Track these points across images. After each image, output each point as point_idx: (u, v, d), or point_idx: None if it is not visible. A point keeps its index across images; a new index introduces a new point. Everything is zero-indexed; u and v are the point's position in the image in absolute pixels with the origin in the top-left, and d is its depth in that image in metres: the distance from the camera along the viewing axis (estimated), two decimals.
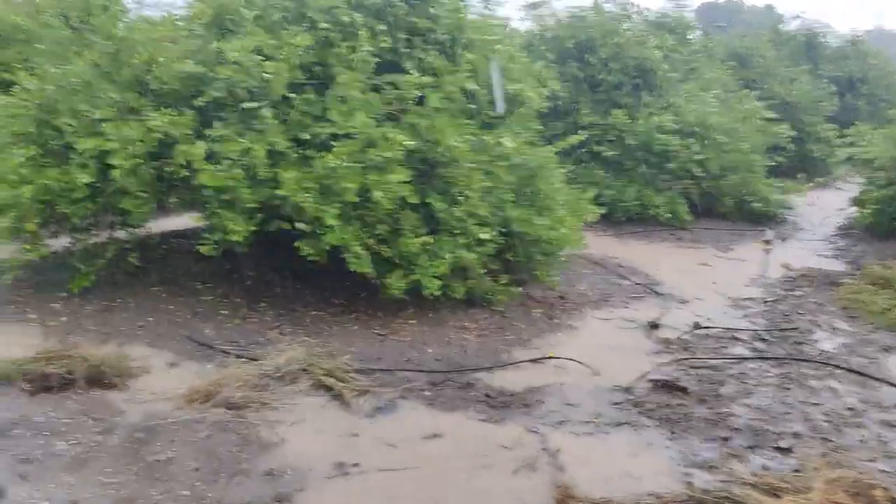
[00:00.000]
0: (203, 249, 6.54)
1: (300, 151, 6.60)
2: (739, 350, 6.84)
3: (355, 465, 4.48)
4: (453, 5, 7.98)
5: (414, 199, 6.48)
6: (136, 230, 7.23)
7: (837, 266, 10.64)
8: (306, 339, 6.42)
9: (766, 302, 8.54)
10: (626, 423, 5.24)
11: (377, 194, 6.28)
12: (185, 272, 8.22)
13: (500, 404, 5.42)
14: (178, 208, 8.19)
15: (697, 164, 12.87)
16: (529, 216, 7.46)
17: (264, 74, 6.53)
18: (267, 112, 6.57)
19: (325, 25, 7.01)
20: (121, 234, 7.44)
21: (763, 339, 7.13)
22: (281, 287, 7.84)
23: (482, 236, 6.97)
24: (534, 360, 6.30)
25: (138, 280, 7.76)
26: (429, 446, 4.77)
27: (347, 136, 6.50)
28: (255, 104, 6.67)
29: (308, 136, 6.65)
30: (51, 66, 6.91)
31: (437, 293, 6.74)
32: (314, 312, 7.20)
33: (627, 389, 5.82)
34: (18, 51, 10.93)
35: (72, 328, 6.53)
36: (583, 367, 6.19)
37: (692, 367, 6.29)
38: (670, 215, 12.48)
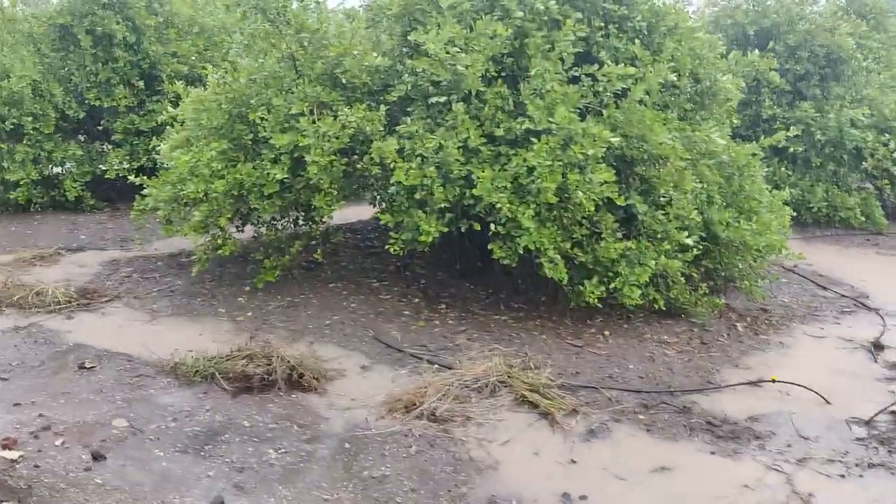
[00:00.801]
0: (392, 249, 6.30)
1: (494, 148, 6.23)
2: None
3: (583, 497, 4.06)
4: None
5: (620, 202, 5.97)
6: (319, 225, 7.08)
7: None
8: (496, 346, 6.06)
9: None
10: (879, 465, 4.55)
11: (579, 195, 5.82)
12: (358, 268, 8.11)
13: (728, 434, 4.85)
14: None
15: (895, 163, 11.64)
16: (735, 220, 6.78)
17: (458, 67, 6.19)
18: (459, 107, 6.24)
19: (519, 14, 6.58)
20: (302, 228, 7.37)
21: None
22: (455, 287, 7.56)
23: (687, 241, 6.37)
24: (752, 383, 5.66)
25: (315, 275, 7.70)
26: (660, 481, 4.28)
27: (546, 132, 6.06)
28: (442, 98, 6.37)
29: (501, 132, 6.26)
30: (244, 59, 6.86)
31: (637, 303, 6.20)
32: (495, 317, 6.84)
33: (869, 423, 5.10)
34: (194, 43, 11.23)
35: (259, 324, 6.47)
36: (809, 394, 5.50)
37: None
38: (864, 219, 11.35)
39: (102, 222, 10.15)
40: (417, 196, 6.09)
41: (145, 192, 7.48)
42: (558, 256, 6.00)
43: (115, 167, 10.49)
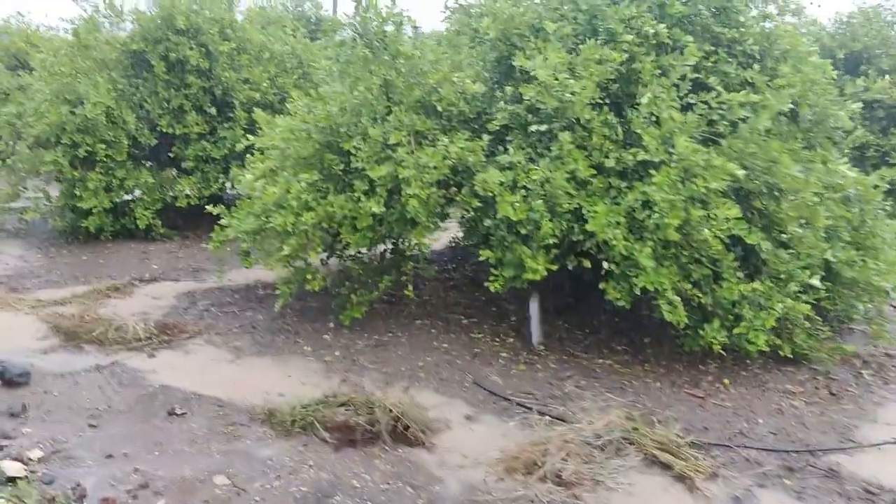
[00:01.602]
0: (493, 287, 5.88)
1: (604, 180, 5.80)
2: None
3: None
4: (761, 12, 6.91)
5: (751, 239, 5.48)
6: (410, 260, 6.70)
7: None
8: (609, 396, 5.60)
9: None
10: None
11: (705, 232, 5.35)
12: (441, 302, 7.74)
13: None
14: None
15: None
16: (860, 258, 6.23)
17: (565, 94, 5.79)
18: (565, 136, 5.83)
19: (627, 38, 6.18)
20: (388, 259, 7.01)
21: None
22: (550, 326, 7.11)
23: (813, 282, 5.84)
24: None
25: (399, 311, 7.34)
26: None
27: (663, 163, 5.62)
28: (543, 127, 5.98)
29: (612, 163, 5.84)
30: (332, 86, 6.56)
31: (762, 349, 5.69)
32: (599, 360, 6.38)
33: None
34: (266, 69, 11.04)
35: (349, 364, 6.10)
36: None
37: None
38: None
39: (173, 251, 9.92)
40: (523, 230, 5.67)
41: (223, 222, 7.20)
42: (678, 298, 5.52)
43: (186, 195, 10.28)
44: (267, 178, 6.76)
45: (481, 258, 5.96)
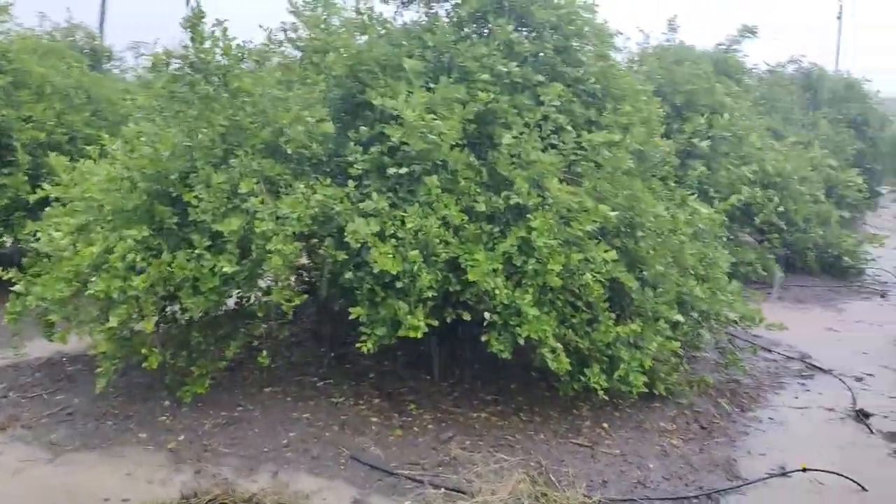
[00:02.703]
0: (364, 347, 5.31)
1: (477, 226, 5.48)
2: None
3: None
4: (599, 51, 7.00)
5: (629, 282, 5.39)
6: (262, 321, 5.95)
7: None
8: (499, 455, 5.23)
9: None
10: None
11: (587, 276, 5.18)
12: (287, 363, 7.05)
13: None
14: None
15: (780, 217, 12.06)
16: (708, 291, 6.42)
17: (429, 136, 5.42)
18: (433, 179, 5.46)
19: (484, 77, 5.95)
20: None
21: None
22: (413, 380, 6.67)
23: (678, 318, 5.90)
24: (784, 474, 5.19)
25: (244, 378, 6.55)
26: None
27: (537, 206, 5.41)
28: (404, 170, 5.57)
29: (483, 208, 5.53)
30: (162, 127, 5.71)
31: (640, 390, 5.62)
32: (474, 414, 6.02)
33: None
34: (50, 106, 9.70)
35: (199, 451, 5.25)
36: (840, 481, 5.10)
37: None
38: (765, 273, 11.60)
39: None
40: (399, 283, 5.19)
41: (18, 288, 6.03)
42: (559, 345, 5.30)
43: None
44: (78, 235, 5.72)
45: (352, 316, 5.36)
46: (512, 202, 5.45)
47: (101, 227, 5.65)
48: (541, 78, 6.25)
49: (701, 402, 6.46)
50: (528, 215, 5.37)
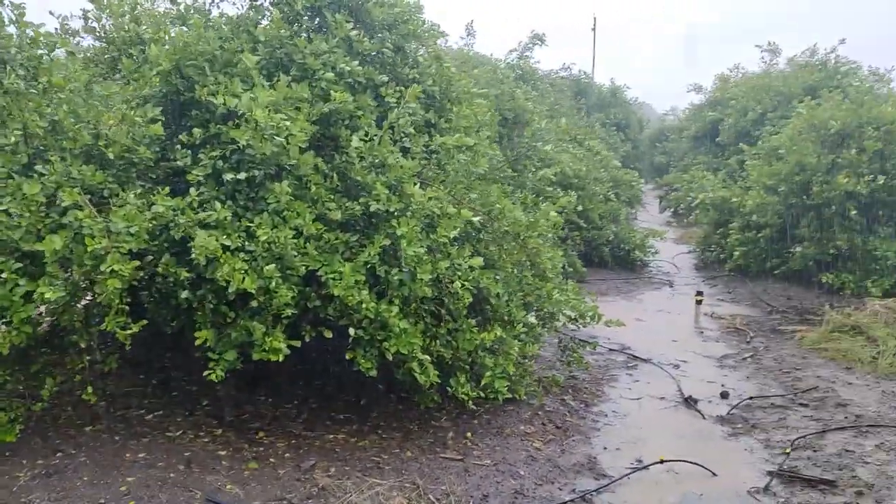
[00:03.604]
0: (213, 376, 4.76)
1: (338, 236, 5.11)
2: (802, 421, 6.44)
3: None
4: (434, 52, 6.88)
5: (496, 288, 5.28)
6: (85, 353, 5.13)
7: (749, 311, 10.94)
8: (371, 480, 4.91)
9: (744, 358, 8.37)
10: None
11: (456, 285, 5.01)
12: (102, 395, 6.17)
13: None
14: None
15: (580, 216, 12.75)
16: (555, 292, 6.53)
17: (277, 139, 4.97)
18: (283, 186, 5.01)
19: (328, 76, 5.58)
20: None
21: (803, 405, 6.82)
22: (249, 403, 6.16)
23: (531, 321, 5.93)
24: (645, 467, 5.37)
25: (55, 417, 5.68)
26: None
27: (398, 212, 5.15)
28: (242, 175, 5.08)
29: (339, 216, 5.17)
30: None
31: (505, 397, 5.56)
32: (330, 436, 5.65)
33: (768, 491, 5.11)
34: None
35: None
36: (691, 468, 5.38)
37: (793, 449, 5.75)
38: (571, 269, 12.18)
39: None
40: (254, 302, 4.69)
41: None
42: (427, 357, 5.09)
43: None
44: None
45: (198, 341, 4.77)
46: (372, 209, 5.13)
47: None
48: (385, 78, 5.99)
49: (549, 401, 6.56)
50: (391, 222, 5.09)
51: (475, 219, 5.28)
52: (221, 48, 5.54)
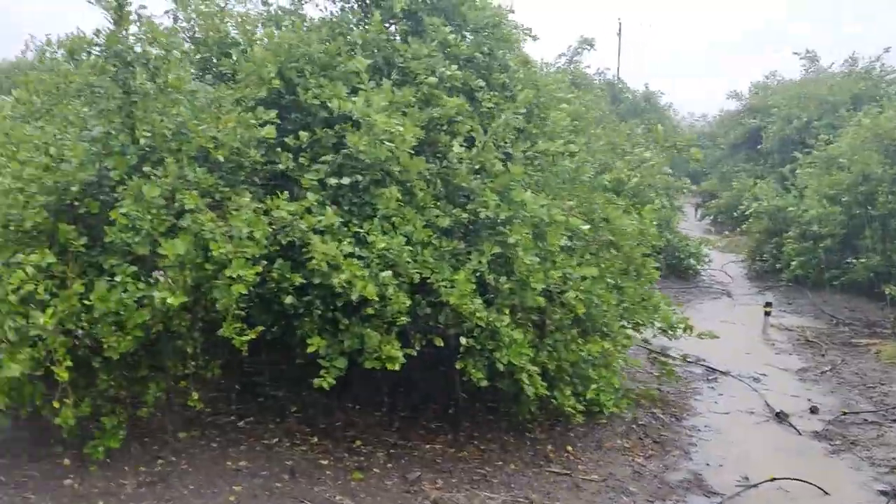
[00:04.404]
0: (324, 383, 4.66)
1: (449, 243, 5.01)
2: None
3: None
4: (522, 56, 6.77)
5: (610, 299, 5.16)
6: (192, 358, 5.05)
7: (814, 323, 10.75)
8: (482, 493, 4.82)
9: (823, 372, 8.19)
10: None
11: (570, 295, 4.89)
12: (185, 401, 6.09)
13: None
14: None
15: None
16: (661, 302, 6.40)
17: (387, 143, 4.88)
18: (393, 191, 4.92)
19: (431, 80, 5.49)
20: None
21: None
22: (340, 410, 6.08)
23: (631, 332, 5.80)
24: (755, 486, 5.22)
25: (149, 425, 5.57)
26: None
27: (508, 220, 5.04)
28: (346, 180, 4.99)
29: (447, 223, 5.07)
30: (62, 129, 4.68)
31: (610, 410, 5.44)
32: (427, 446, 5.55)
33: None
34: None
35: None
36: (803, 486, 5.23)
37: None
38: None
39: None
40: (370, 309, 4.59)
41: None
42: (535, 368, 4.97)
43: None
44: None
45: (310, 348, 4.68)
46: (481, 216, 5.03)
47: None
48: (482, 82, 5.89)
49: (640, 414, 6.42)
50: (500, 229, 4.98)
51: (584, 227, 5.15)
52: (325, 52, 5.46)
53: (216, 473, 4.90)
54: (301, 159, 5.13)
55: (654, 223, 6.20)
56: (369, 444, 5.50)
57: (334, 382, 4.71)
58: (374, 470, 5.09)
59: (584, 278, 5.02)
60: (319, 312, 4.92)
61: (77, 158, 4.47)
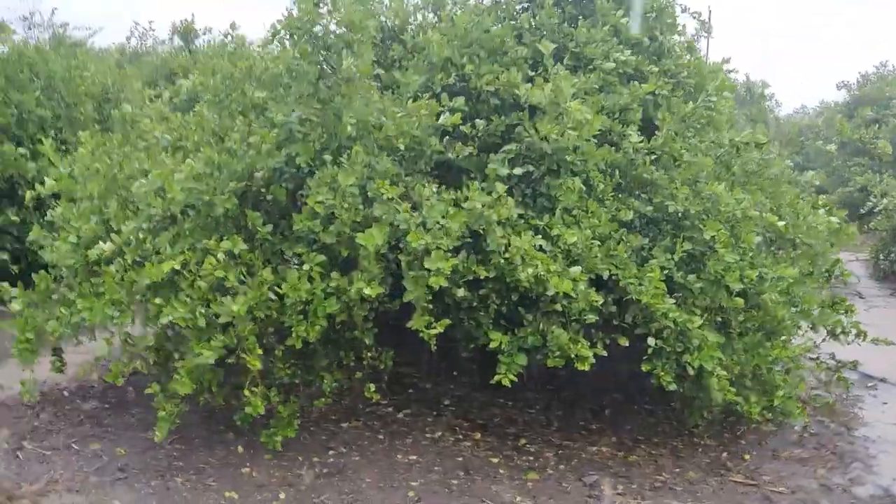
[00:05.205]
0: (505, 380, 4.49)
1: (634, 238, 4.78)
2: None
3: None
4: (689, 42, 6.45)
5: (813, 303, 4.85)
6: (367, 349, 4.97)
7: None
8: (665, 500, 4.57)
9: None
10: None
11: (766, 297, 4.59)
12: (349, 389, 6.00)
13: None
14: None
15: None
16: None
17: (570, 132, 4.66)
18: (576, 182, 4.71)
19: (608, 66, 5.25)
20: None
21: None
22: (496, 407, 5.96)
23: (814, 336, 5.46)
24: None
25: (310, 412, 5.53)
26: None
27: (694, 213, 4.77)
28: (519, 171, 4.78)
29: (630, 216, 4.83)
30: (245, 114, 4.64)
31: (797, 419, 5.13)
32: (594, 448, 5.34)
33: None
34: None
35: None
36: None
37: None
38: None
39: None
40: (557, 306, 4.40)
41: (16, 304, 4.93)
42: (724, 373, 4.69)
43: None
44: (132, 244, 4.56)
45: (493, 344, 4.53)
46: (670, 209, 4.77)
47: (155, 235, 4.54)
48: (654, 68, 5.62)
49: (811, 421, 6.05)
50: (690, 223, 4.72)
51: (780, 224, 4.84)
52: (498, 36, 5.28)
53: (390, 467, 4.81)
54: (469, 148, 4.97)
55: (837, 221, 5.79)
56: (533, 442, 5.33)
57: (515, 379, 4.54)
58: (548, 471, 4.91)
59: (780, 279, 4.70)
60: (496, 306, 4.77)
61: (267, 144, 4.41)
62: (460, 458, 4.98)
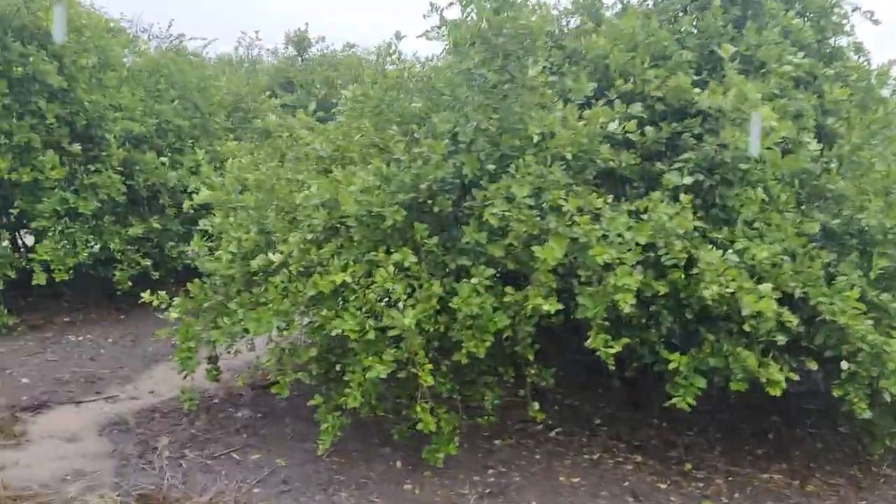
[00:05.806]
0: (681, 404, 4.24)
1: (823, 252, 4.45)
2: None
3: None
4: (857, 43, 6.02)
5: None
6: (531, 368, 4.79)
7: None
8: None
9: None
10: None
11: None
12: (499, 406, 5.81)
13: None
14: None
15: None
16: None
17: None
18: (759, 192, 4.41)
19: (784, 69, 4.91)
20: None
21: None
22: (644, 426, 5.64)
23: None
24: None
25: (467, 429, 5.36)
26: None
27: (889, 229, 4.41)
28: (689, 180, 4.50)
29: (814, 229, 4.49)
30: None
31: None
32: (765, 476, 4.98)
33: None
34: (133, 91, 8.33)
35: None
36: None
37: None
38: None
39: (36, 352, 6.90)
40: (746, 326, 4.11)
41: (174, 313, 5.01)
42: None
43: (46, 268, 7.25)
44: (297, 255, 4.52)
45: (671, 365, 4.28)
46: (863, 223, 4.42)
47: (318, 247, 4.49)
48: (830, 71, 5.26)
49: None
50: (883, 237, 4.36)
51: None
52: (664, 39, 5.04)
53: (553, 489, 4.62)
54: (630, 155, 4.73)
55: None
56: (700, 468, 5.03)
57: (694, 402, 4.28)
58: (723, 499, 4.62)
59: None
60: (668, 324, 4.52)
61: (437, 155, 4.29)
62: (626, 483, 4.74)
